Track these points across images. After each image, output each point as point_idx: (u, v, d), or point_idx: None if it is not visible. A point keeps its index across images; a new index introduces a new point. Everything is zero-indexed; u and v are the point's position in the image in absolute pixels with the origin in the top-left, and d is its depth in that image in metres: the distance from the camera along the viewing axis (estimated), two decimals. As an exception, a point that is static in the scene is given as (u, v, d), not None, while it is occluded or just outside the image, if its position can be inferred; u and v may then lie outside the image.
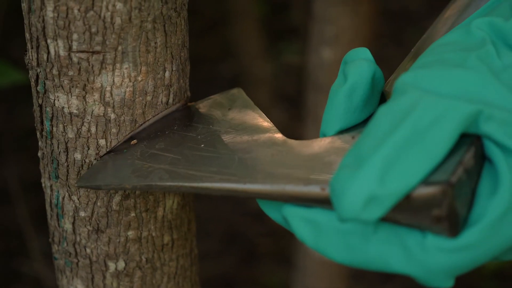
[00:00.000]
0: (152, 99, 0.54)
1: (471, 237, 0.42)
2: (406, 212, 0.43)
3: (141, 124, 0.54)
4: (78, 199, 0.55)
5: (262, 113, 0.55)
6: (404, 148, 0.42)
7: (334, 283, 1.22)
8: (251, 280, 1.71)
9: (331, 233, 0.44)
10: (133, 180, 0.51)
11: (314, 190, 0.45)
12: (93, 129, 0.53)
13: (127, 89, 0.53)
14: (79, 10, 0.50)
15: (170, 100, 0.55)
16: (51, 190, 0.57)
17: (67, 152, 0.54)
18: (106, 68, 0.52)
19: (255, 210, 1.80)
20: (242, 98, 0.57)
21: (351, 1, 1.11)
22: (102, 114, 0.53)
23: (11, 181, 1.57)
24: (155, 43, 0.53)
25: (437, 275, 0.43)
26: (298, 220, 0.45)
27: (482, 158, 0.44)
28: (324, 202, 0.45)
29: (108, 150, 0.54)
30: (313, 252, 1.19)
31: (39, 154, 0.57)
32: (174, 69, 0.54)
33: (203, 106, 0.56)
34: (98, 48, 0.51)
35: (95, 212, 0.55)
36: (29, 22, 0.52)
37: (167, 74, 0.54)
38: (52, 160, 0.55)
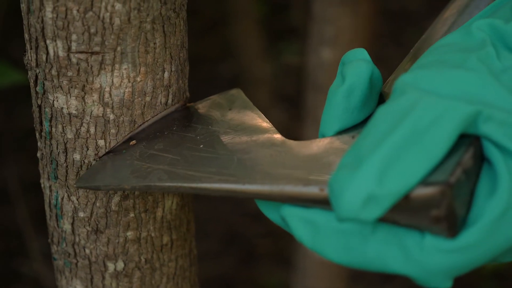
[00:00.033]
0: (151, 99, 0.54)
1: (469, 238, 0.42)
2: (405, 213, 0.43)
3: (140, 125, 0.54)
4: (77, 199, 0.55)
5: (261, 113, 0.55)
6: (403, 148, 0.42)
7: (333, 284, 1.22)
8: (250, 281, 1.71)
9: (330, 233, 0.44)
10: (132, 180, 0.51)
11: (313, 190, 0.45)
12: (92, 130, 0.53)
13: (126, 90, 0.53)
14: (78, 10, 0.50)
15: (169, 101, 0.55)
16: (50, 191, 0.57)
17: (66, 153, 0.54)
18: (105, 68, 0.52)
19: (254, 211, 1.80)
20: (241, 98, 0.57)
21: (350, 2, 1.11)
22: (101, 115, 0.53)
23: (11, 181, 1.57)
24: (154, 43, 0.53)
25: (435, 275, 0.43)
26: (296, 221, 0.45)
27: (481, 159, 0.44)
28: (322, 203, 0.45)
29: (107, 150, 0.54)
30: (313, 252, 1.19)
31: (38, 154, 0.57)
32: (173, 69, 0.54)
33: (202, 106, 0.56)
34: (97, 48, 0.51)
35: (94, 213, 0.56)
36: (28, 23, 0.52)
37: (166, 74, 0.54)
38: (51, 161, 0.55)
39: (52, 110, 0.54)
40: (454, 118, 0.42)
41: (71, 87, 0.52)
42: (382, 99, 0.51)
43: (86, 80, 0.52)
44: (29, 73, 0.54)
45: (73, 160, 0.54)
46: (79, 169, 0.54)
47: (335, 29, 1.12)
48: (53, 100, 0.53)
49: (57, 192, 0.56)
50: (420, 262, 0.43)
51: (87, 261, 0.57)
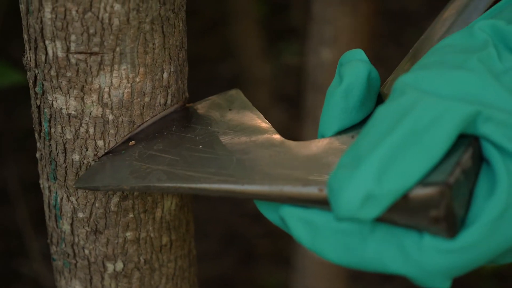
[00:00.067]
0: (150, 100, 0.54)
1: (468, 238, 0.42)
2: (404, 213, 0.43)
3: (139, 125, 0.54)
4: (76, 200, 0.55)
5: (260, 114, 0.55)
6: (402, 148, 0.42)
7: (332, 284, 1.22)
8: (250, 281, 1.71)
9: (328, 233, 0.44)
10: (131, 181, 0.51)
11: (312, 191, 0.45)
12: (91, 130, 0.53)
13: (125, 90, 0.53)
14: (77, 11, 0.50)
15: (168, 101, 0.55)
16: (49, 191, 0.57)
17: (65, 153, 0.54)
18: (104, 69, 0.52)
19: (253, 211, 1.80)
20: (240, 99, 0.57)
21: (350, 2, 1.11)
22: (100, 115, 0.53)
23: (10, 182, 1.57)
24: (153, 44, 0.53)
25: (434, 276, 0.43)
26: (295, 221, 0.45)
27: (480, 159, 0.44)
28: (321, 203, 0.45)
29: (106, 151, 0.54)
30: (312, 253, 1.19)
31: (37, 155, 0.57)
32: (172, 70, 0.54)
33: (201, 107, 0.56)
34: (96, 49, 0.51)
35: (93, 213, 0.56)
36: (27, 23, 0.52)
37: (165, 75, 0.54)
38: (50, 161, 0.55)
39: (51, 111, 0.54)
40: (453, 118, 0.42)
41: (70, 88, 0.52)
42: (380, 99, 0.51)
43: (85, 80, 0.52)
44: (28, 73, 0.54)
45: (72, 161, 0.54)
46: (78, 170, 0.54)
47: (335, 29, 1.12)
48: (52, 101, 0.53)
49: (56, 192, 0.56)
50: (419, 262, 0.43)
51: (86, 261, 0.57)
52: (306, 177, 0.46)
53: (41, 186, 0.57)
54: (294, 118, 1.95)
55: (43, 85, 0.53)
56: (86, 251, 0.57)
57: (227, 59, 2.22)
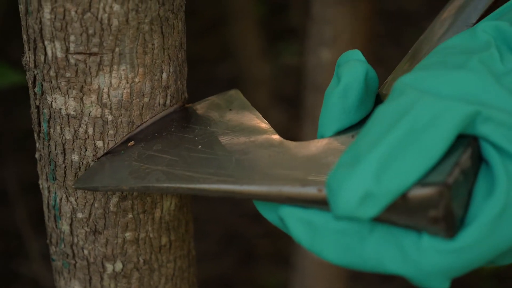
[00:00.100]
0: (149, 100, 0.54)
1: (467, 239, 0.42)
2: (403, 213, 0.43)
3: (139, 126, 0.54)
4: (76, 200, 0.55)
5: (259, 114, 0.55)
6: (401, 147, 0.42)
7: (332, 284, 1.22)
8: (249, 281, 1.71)
9: (327, 233, 0.44)
10: (131, 181, 0.51)
11: (311, 191, 0.45)
12: (90, 131, 0.53)
13: (125, 91, 0.53)
14: (76, 11, 0.50)
15: (168, 102, 0.55)
16: (49, 192, 0.57)
17: (65, 154, 0.54)
18: (103, 69, 0.52)
19: (253, 211, 1.80)
20: (240, 99, 0.57)
21: (349, 2, 1.11)
22: (99, 116, 0.53)
23: (10, 182, 1.57)
24: (152, 44, 0.53)
25: (432, 276, 0.43)
26: (294, 221, 0.45)
27: (479, 160, 0.44)
28: (321, 203, 0.45)
29: (105, 151, 0.54)
30: (311, 253, 1.19)
31: (37, 155, 0.57)
32: (171, 70, 0.54)
33: (200, 107, 0.56)
34: (95, 49, 0.51)
35: (93, 214, 0.56)
36: (26, 24, 0.52)
37: (164, 75, 0.54)
38: (50, 162, 0.55)
39: (50, 111, 0.54)
40: (452, 118, 0.42)
41: (69, 88, 0.52)
42: (379, 99, 0.51)
43: (84, 81, 0.52)
44: (27, 74, 0.54)
45: (72, 161, 0.54)
46: (78, 170, 0.54)
47: (334, 29, 1.12)
48: (51, 101, 0.53)
49: (55, 193, 0.56)
50: (417, 262, 0.43)
51: (86, 262, 0.57)
52: (305, 177, 0.46)
53: (40, 186, 0.57)
54: (294, 119, 1.95)
55: (42, 85, 0.53)
56: (85, 252, 0.57)
57: (226, 60, 2.22)
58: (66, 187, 0.55)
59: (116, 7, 0.50)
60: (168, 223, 0.58)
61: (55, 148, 0.55)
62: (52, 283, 0.62)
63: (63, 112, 0.53)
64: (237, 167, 0.49)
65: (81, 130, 0.53)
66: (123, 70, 0.52)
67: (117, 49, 0.51)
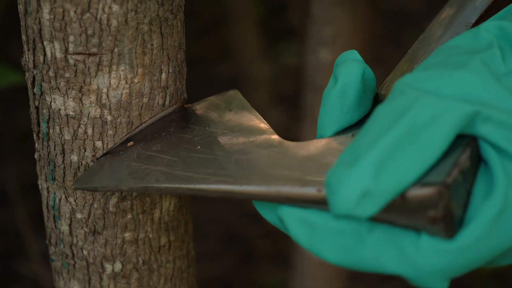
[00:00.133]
0: (148, 101, 0.54)
1: (465, 239, 0.42)
2: (402, 213, 0.43)
3: (138, 126, 0.54)
4: (75, 201, 0.55)
5: (258, 114, 0.55)
6: (400, 146, 0.42)
7: (332, 284, 1.22)
8: (249, 281, 1.71)
9: (326, 233, 0.44)
10: (130, 182, 0.51)
11: (310, 191, 0.45)
12: (89, 131, 0.53)
13: (124, 91, 0.53)
14: (75, 12, 0.50)
15: (167, 102, 0.55)
16: (48, 192, 0.57)
17: (64, 154, 0.54)
18: (102, 70, 0.52)
19: (252, 211, 1.80)
20: (239, 99, 0.57)
21: (349, 2, 1.11)
22: (98, 116, 0.53)
23: (10, 182, 1.57)
24: (152, 45, 0.53)
25: (431, 276, 0.43)
26: (293, 221, 0.45)
27: (478, 160, 0.44)
28: (320, 203, 0.45)
29: (104, 152, 0.54)
30: (311, 253, 1.18)
31: (36, 156, 0.57)
32: (170, 71, 0.54)
33: (199, 107, 0.56)
34: (94, 50, 0.51)
35: (92, 214, 0.56)
36: (25, 24, 0.52)
37: (163, 76, 0.54)
38: (49, 162, 0.55)
39: (49, 112, 0.54)
40: (451, 118, 0.42)
41: (69, 89, 0.52)
42: (378, 100, 0.51)
43: (84, 81, 0.52)
44: (27, 74, 0.54)
45: (71, 162, 0.54)
46: (77, 171, 0.54)
47: (334, 29, 1.12)
48: (51, 102, 0.53)
49: (54, 193, 0.56)
50: (416, 262, 0.43)
51: (85, 262, 0.57)
52: (304, 177, 0.46)
53: (40, 187, 0.57)
54: (293, 119, 1.95)
55: (41, 86, 0.53)
56: (85, 252, 0.57)
57: (226, 60, 2.22)
58: (65, 188, 0.55)
59: (115, 7, 0.50)
60: (167, 223, 0.58)
61: (54, 149, 0.55)
62: (52, 283, 0.62)
63: (62, 112, 0.53)
64: (236, 167, 0.49)
65: (80, 130, 0.53)
66: (122, 70, 0.52)
67: (116, 50, 0.51)
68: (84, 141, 0.54)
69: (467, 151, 0.43)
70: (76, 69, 0.51)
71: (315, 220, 0.45)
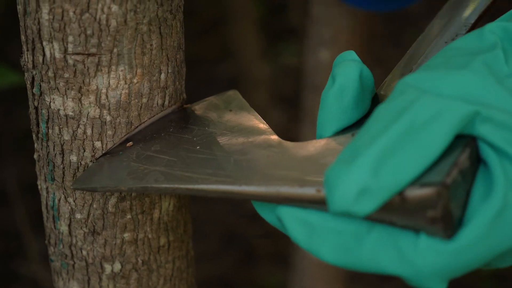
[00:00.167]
0: (147, 101, 0.54)
1: (464, 239, 0.42)
2: (401, 213, 0.43)
3: (137, 126, 0.54)
4: (74, 201, 0.55)
5: (257, 115, 0.55)
6: (399, 144, 0.42)
7: (331, 285, 1.22)
8: (249, 282, 1.71)
9: (325, 233, 0.44)
10: (129, 182, 0.51)
11: (309, 191, 0.45)
12: (88, 131, 0.53)
13: (123, 91, 0.53)
14: (74, 12, 0.50)
15: (166, 102, 0.55)
16: (47, 192, 0.57)
17: (63, 154, 0.54)
18: (101, 70, 0.52)
19: (252, 212, 1.80)
20: (238, 100, 0.57)
21: (348, 2, 1.11)
22: (97, 116, 0.53)
23: (9, 183, 1.57)
24: (151, 45, 0.53)
25: (429, 277, 0.43)
26: (292, 220, 0.45)
27: (477, 160, 0.44)
28: (319, 204, 0.45)
29: (103, 152, 0.54)
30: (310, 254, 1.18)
31: (35, 156, 0.57)
32: (169, 71, 0.54)
33: (198, 108, 0.56)
34: (93, 50, 0.51)
35: (91, 214, 0.56)
36: (24, 25, 0.52)
37: (162, 76, 0.54)
38: (48, 162, 0.55)
39: (48, 112, 0.54)
40: (451, 117, 0.42)
41: (68, 89, 0.52)
42: (377, 100, 0.51)
43: (83, 81, 0.52)
44: (26, 74, 0.54)
45: (70, 162, 0.54)
46: (76, 171, 0.54)
47: (333, 30, 1.12)
48: (50, 102, 0.53)
49: (54, 193, 0.56)
50: (414, 263, 0.43)
51: (84, 262, 0.57)
52: (303, 177, 0.46)
53: (39, 187, 0.57)
54: (293, 119, 1.95)
55: (40, 86, 0.53)
56: (84, 252, 0.57)
57: (225, 60, 2.22)
58: (64, 188, 0.55)
59: (114, 7, 0.50)
60: (167, 223, 0.58)
61: (54, 149, 0.55)
62: (52, 283, 0.62)
63: (61, 112, 0.53)
64: (235, 168, 0.49)
65: (79, 130, 0.53)
66: (122, 70, 0.52)
67: (115, 50, 0.51)
68: (83, 142, 0.54)
69: (466, 151, 0.43)
70: (75, 69, 0.51)
71: (314, 220, 0.45)
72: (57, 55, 0.51)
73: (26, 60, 0.53)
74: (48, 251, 0.60)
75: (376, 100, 0.51)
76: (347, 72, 0.49)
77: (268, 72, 1.94)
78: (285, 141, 0.51)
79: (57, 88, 0.52)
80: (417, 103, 0.43)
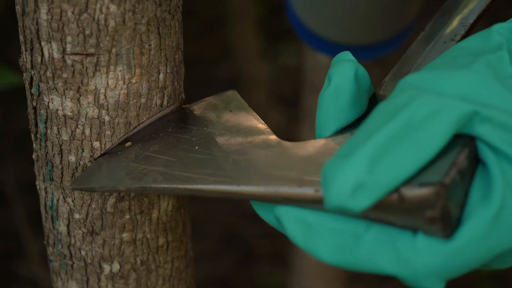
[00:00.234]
0: (146, 101, 0.54)
1: (463, 239, 0.42)
2: (399, 213, 0.43)
3: (136, 127, 0.54)
4: (73, 201, 0.55)
5: (256, 115, 0.55)
6: (396, 140, 0.42)
7: (331, 285, 1.22)
8: (249, 282, 1.71)
9: (323, 233, 0.44)
10: (128, 182, 0.51)
11: (308, 191, 0.45)
12: (87, 132, 0.53)
13: (121, 92, 0.53)
14: (73, 12, 0.50)
15: (165, 103, 0.55)
16: (46, 192, 0.57)
17: (62, 154, 0.54)
18: (100, 70, 0.52)
19: (251, 212, 1.80)
20: (237, 100, 0.57)
21: (348, 3, 1.11)
22: (96, 117, 0.53)
23: (9, 183, 1.57)
24: (149, 45, 0.53)
25: (426, 277, 0.43)
26: (290, 220, 0.45)
27: (476, 160, 0.44)
28: (317, 204, 0.45)
29: (102, 152, 0.54)
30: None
31: (34, 156, 0.57)
32: (168, 71, 0.54)
33: (197, 108, 0.56)
34: (92, 50, 0.51)
35: (90, 214, 0.56)
36: (23, 25, 0.52)
37: (161, 76, 0.54)
38: (47, 162, 0.55)
39: (47, 112, 0.54)
40: (449, 116, 0.42)
41: (66, 89, 0.52)
42: (375, 101, 0.51)
43: (81, 81, 0.52)
44: (24, 75, 0.54)
45: (69, 162, 0.54)
46: (75, 171, 0.54)
47: (333, 30, 1.12)
48: (48, 102, 0.53)
49: (52, 193, 0.56)
50: (411, 263, 0.43)
51: (83, 262, 0.57)
52: (302, 177, 0.46)
53: (38, 187, 0.57)
54: (293, 119, 1.95)
55: (39, 86, 0.53)
56: (83, 252, 0.57)
57: (225, 60, 2.22)
58: (63, 188, 0.55)
59: (113, 8, 0.50)
60: (166, 223, 0.58)
61: (52, 149, 0.55)
62: (51, 283, 0.62)
63: (60, 113, 0.53)
64: (234, 168, 0.49)
65: (78, 131, 0.53)
66: (120, 71, 0.52)
67: (114, 50, 0.51)
68: (82, 142, 0.54)
69: (465, 151, 0.43)
70: (74, 69, 0.51)
71: (312, 219, 0.45)
72: (56, 55, 0.51)
73: (25, 60, 0.53)
74: (47, 251, 0.60)
75: (374, 100, 0.51)
76: (342, 72, 0.49)
77: (267, 72, 1.94)
78: (284, 141, 0.51)
79: (56, 88, 0.52)
80: (416, 101, 0.43)
